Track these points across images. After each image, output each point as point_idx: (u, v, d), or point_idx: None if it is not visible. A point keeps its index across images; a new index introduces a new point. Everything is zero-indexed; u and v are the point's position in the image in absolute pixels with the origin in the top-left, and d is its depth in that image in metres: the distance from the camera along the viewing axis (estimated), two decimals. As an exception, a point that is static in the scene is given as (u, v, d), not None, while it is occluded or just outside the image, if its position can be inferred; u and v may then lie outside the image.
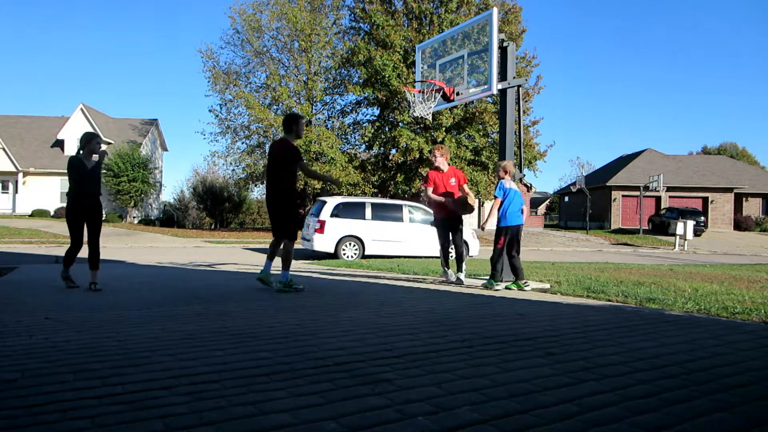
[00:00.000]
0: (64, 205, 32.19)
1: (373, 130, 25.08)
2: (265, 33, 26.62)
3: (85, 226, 5.70)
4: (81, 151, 5.71)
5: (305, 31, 25.35)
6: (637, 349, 3.02)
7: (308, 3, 25.90)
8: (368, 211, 13.53)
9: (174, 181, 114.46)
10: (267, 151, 5.59)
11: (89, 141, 5.71)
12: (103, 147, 5.89)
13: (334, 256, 13.00)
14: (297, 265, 10.37)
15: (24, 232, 20.17)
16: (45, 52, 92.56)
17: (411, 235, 13.56)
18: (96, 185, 5.75)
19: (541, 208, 63.44)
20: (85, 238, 5.75)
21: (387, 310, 4.34)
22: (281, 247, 5.72)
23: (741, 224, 35.79)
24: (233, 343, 3.04)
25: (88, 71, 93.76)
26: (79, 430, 1.76)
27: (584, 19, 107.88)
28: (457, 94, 7.07)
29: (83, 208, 5.67)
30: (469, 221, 31.65)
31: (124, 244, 17.84)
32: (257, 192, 38.62)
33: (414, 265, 9.38)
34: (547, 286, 6.36)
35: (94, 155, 5.74)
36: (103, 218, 5.88)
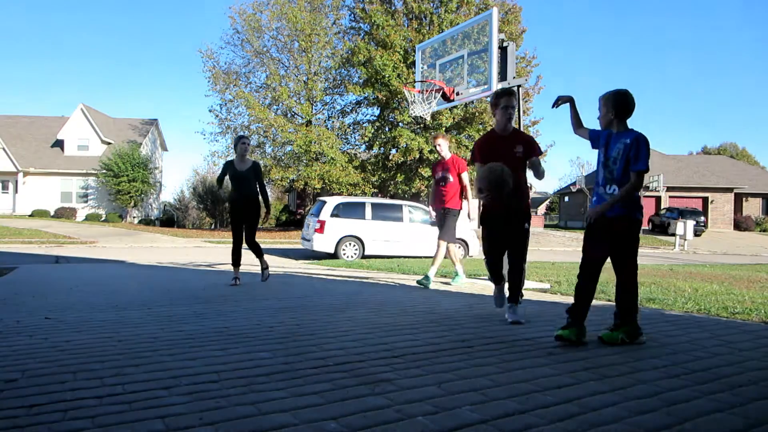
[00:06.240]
0: (64, 205, 31.87)
1: (373, 130, 25.08)
2: (265, 33, 26.64)
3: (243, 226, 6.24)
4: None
5: (305, 31, 25.35)
6: (637, 349, 3.02)
7: (308, 3, 25.90)
8: (368, 211, 13.53)
9: (174, 181, 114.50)
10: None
11: (234, 145, 6.27)
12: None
13: (334, 256, 12.99)
14: (297, 265, 10.38)
15: (24, 232, 20.16)
16: (45, 52, 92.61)
17: (411, 235, 13.56)
18: (246, 187, 6.12)
19: (541, 208, 63.44)
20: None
21: (387, 310, 4.34)
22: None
23: (741, 224, 35.76)
24: (233, 343, 3.04)
25: (88, 71, 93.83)
26: (79, 430, 1.76)
27: (584, 19, 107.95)
28: (457, 94, 7.07)
29: (238, 209, 6.20)
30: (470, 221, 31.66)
31: (125, 244, 17.84)
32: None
33: (414, 265, 9.38)
34: (547, 286, 6.36)
35: (246, 158, 6.19)
36: (260, 218, 6.39)
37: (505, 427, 1.82)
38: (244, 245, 6.28)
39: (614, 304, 3.30)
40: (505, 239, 3.95)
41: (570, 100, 3.57)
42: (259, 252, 6.34)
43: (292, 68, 27.23)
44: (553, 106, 3.54)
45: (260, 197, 6.30)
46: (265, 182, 6.33)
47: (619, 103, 3.17)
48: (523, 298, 3.98)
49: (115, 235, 21.19)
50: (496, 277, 4.08)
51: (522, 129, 7.21)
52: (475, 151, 4.04)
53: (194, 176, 45.05)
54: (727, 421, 1.90)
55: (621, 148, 3.14)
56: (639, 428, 1.82)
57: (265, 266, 6.43)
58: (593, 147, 3.40)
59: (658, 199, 35.00)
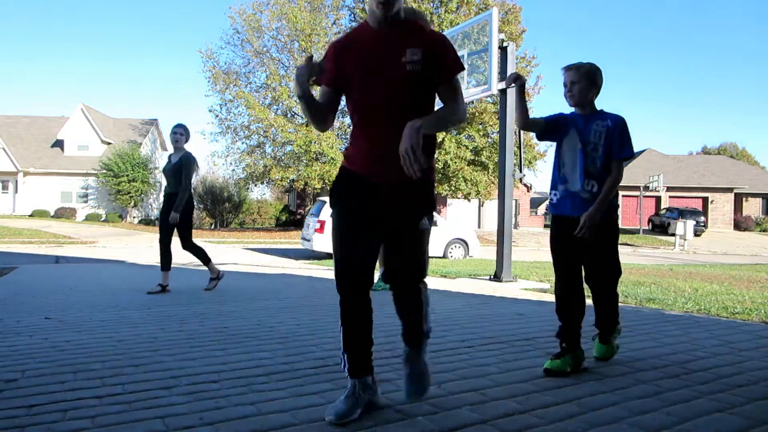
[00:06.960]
0: (64, 205, 31.74)
1: (373, 131, 25.07)
2: (265, 33, 26.64)
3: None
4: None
5: (305, 31, 25.35)
6: (637, 349, 3.02)
7: (308, 3, 25.91)
8: (368, 211, 13.52)
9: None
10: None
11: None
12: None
13: (334, 256, 12.99)
14: (297, 265, 10.38)
15: (24, 232, 20.15)
16: (45, 52, 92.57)
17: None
18: (168, 185, 5.37)
19: (541, 208, 63.39)
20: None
21: (387, 310, 4.32)
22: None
23: (741, 224, 35.77)
24: (233, 343, 3.04)
25: (88, 71, 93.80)
26: (79, 430, 1.76)
27: (584, 19, 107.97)
28: (457, 94, 7.06)
29: (162, 208, 5.45)
30: (470, 221, 31.65)
31: (124, 244, 17.84)
32: (257, 192, 38.72)
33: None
34: (547, 286, 6.36)
35: (180, 149, 5.35)
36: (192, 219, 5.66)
37: (505, 427, 1.82)
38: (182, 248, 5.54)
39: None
40: (374, 240, 1.95)
41: (522, 81, 2.59)
42: (200, 255, 5.51)
43: (292, 68, 27.22)
44: (507, 86, 2.67)
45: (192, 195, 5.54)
46: (190, 180, 5.30)
47: (601, 79, 2.61)
48: (428, 340, 2.14)
49: (115, 235, 21.19)
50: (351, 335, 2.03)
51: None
52: (325, 60, 2.02)
53: (194, 176, 45.05)
54: (727, 421, 1.90)
55: (602, 132, 2.56)
56: (639, 428, 1.82)
57: (214, 275, 5.59)
58: (549, 138, 2.74)
59: (658, 199, 35.02)
